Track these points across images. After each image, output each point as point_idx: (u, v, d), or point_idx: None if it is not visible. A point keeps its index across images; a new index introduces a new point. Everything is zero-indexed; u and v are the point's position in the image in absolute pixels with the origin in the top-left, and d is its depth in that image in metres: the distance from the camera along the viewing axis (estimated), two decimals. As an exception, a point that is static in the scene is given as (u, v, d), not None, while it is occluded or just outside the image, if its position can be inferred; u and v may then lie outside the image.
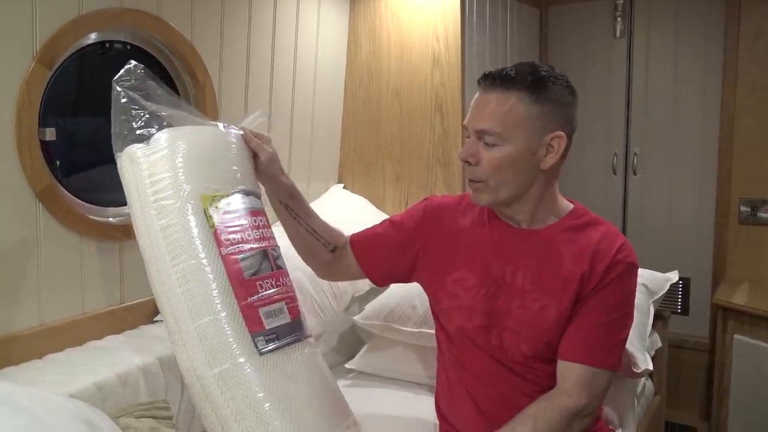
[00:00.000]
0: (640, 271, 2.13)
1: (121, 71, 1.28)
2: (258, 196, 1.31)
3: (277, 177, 1.41)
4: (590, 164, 3.19)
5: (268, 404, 1.11)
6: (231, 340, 1.12)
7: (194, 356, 1.13)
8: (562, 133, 1.28)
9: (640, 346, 1.78)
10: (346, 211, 2.47)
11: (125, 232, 1.79)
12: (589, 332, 1.28)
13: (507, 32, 2.82)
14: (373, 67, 2.56)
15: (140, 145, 1.24)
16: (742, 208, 2.81)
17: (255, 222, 1.24)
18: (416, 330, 1.95)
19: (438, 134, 2.46)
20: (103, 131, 1.87)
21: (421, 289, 1.51)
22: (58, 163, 1.67)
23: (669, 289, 2.11)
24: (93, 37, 1.71)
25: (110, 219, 1.79)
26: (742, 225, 2.82)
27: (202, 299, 1.13)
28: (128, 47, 1.82)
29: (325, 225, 1.52)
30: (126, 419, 1.23)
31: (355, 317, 2.11)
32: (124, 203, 1.86)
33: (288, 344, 1.19)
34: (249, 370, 1.12)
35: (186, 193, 1.18)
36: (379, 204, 2.59)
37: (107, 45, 1.77)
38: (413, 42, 2.46)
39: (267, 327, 1.15)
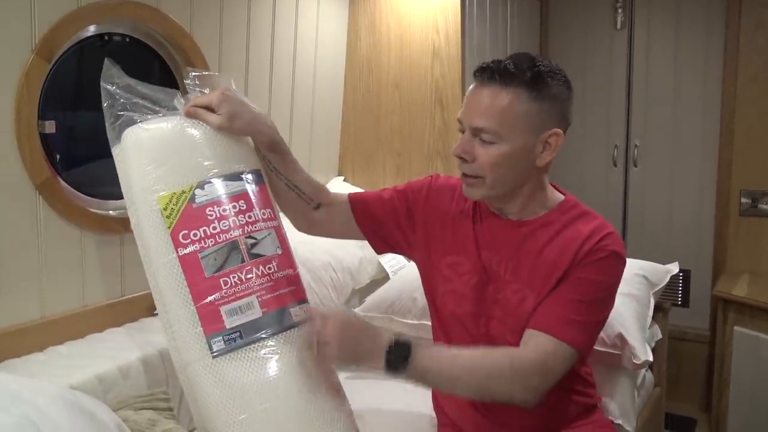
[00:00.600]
0: (641, 262, 2.13)
1: (104, 69, 1.28)
2: (237, 176, 1.23)
3: (251, 129, 1.29)
4: (591, 156, 3.19)
5: (221, 408, 1.13)
6: (189, 340, 1.16)
7: (171, 351, 1.22)
8: (559, 130, 1.26)
9: (641, 337, 1.79)
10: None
11: (125, 225, 1.77)
12: (561, 307, 1.23)
13: (507, 24, 2.81)
14: (373, 59, 2.56)
15: (116, 142, 1.26)
16: (743, 200, 2.81)
17: (220, 212, 1.20)
18: (417, 322, 1.95)
19: (438, 127, 2.46)
20: (102, 124, 1.87)
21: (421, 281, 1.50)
22: (57, 156, 1.67)
23: (669, 281, 2.11)
24: (92, 30, 1.70)
25: (110, 212, 1.79)
26: (743, 217, 2.82)
27: (169, 299, 1.18)
28: (127, 39, 1.82)
29: (308, 180, 1.43)
30: (125, 412, 1.23)
31: (356, 309, 2.11)
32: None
33: (254, 341, 1.15)
34: (202, 372, 1.15)
35: (140, 195, 1.20)
36: (379, 196, 2.59)
37: (106, 37, 1.76)
38: (413, 34, 2.46)
39: (228, 326, 1.14)
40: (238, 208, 1.21)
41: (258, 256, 1.21)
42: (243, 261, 1.18)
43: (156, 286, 1.22)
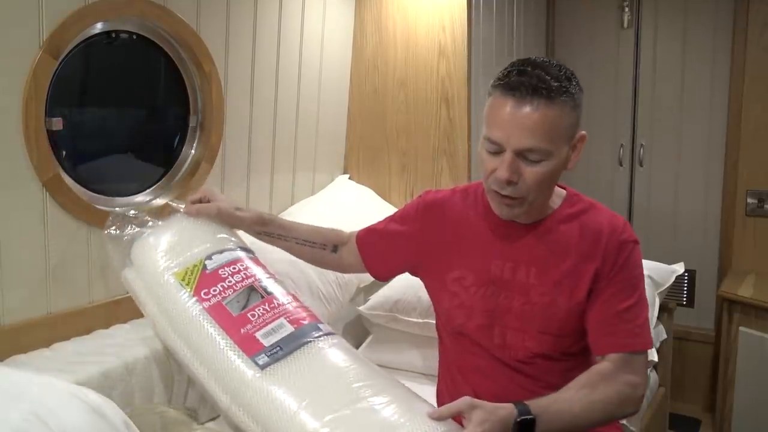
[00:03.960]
0: (646, 262, 2.13)
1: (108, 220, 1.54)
2: (232, 250, 1.49)
3: (234, 219, 1.53)
4: (597, 156, 3.18)
5: (293, 405, 1.19)
6: (233, 367, 1.27)
7: (215, 392, 1.29)
8: (584, 132, 1.26)
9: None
10: (352, 202, 2.47)
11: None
12: (622, 320, 1.26)
13: (514, 23, 2.81)
14: (379, 57, 2.55)
15: (128, 263, 1.50)
16: (749, 200, 2.80)
17: (231, 270, 1.42)
18: (421, 320, 1.95)
19: (444, 125, 2.45)
20: (109, 121, 1.88)
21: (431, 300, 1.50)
22: (64, 152, 1.68)
23: (674, 281, 2.11)
24: (99, 27, 1.70)
25: (117, 209, 1.80)
26: (749, 217, 2.81)
27: (205, 345, 1.31)
28: (134, 37, 1.82)
29: (314, 231, 1.57)
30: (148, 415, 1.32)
31: (361, 308, 2.12)
32: (130, 193, 1.88)
33: (296, 349, 1.28)
34: (258, 385, 1.23)
35: (157, 281, 1.42)
36: (384, 195, 2.59)
37: (114, 35, 1.77)
38: (419, 32, 2.45)
39: (267, 345, 1.28)
40: (236, 269, 1.43)
41: (270, 293, 1.40)
42: (263, 297, 1.38)
43: (188, 347, 1.34)
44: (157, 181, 1.95)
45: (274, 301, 1.38)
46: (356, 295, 2.23)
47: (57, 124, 1.62)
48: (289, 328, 1.32)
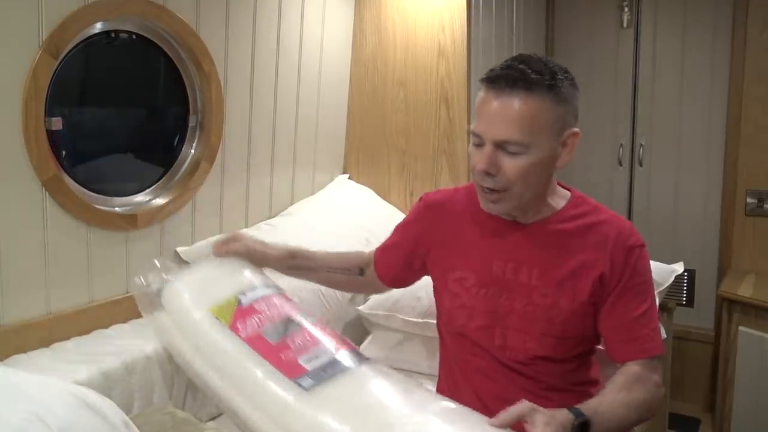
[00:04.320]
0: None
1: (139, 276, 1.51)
2: (262, 288, 1.47)
3: (263, 256, 1.52)
4: (596, 156, 3.18)
5: (342, 427, 1.14)
6: (276, 391, 1.21)
7: (260, 423, 1.22)
8: (577, 130, 1.25)
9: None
10: (351, 202, 2.47)
11: (131, 221, 1.79)
12: (638, 325, 1.27)
13: (513, 23, 2.81)
14: (378, 57, 2.55)
15: (158, 307, 1.46)
16: (749, 200, 2.80)
17: (266, 304, 1.41)
18: (421, 320, 1.95)
19: (443, 125, 2.45)
20: (109, 121, 1.88)
21: (426, 280, 1.51)
22: (63, 152, 1.68)
23: (674, 281, 2.10)
24: (99, 27, 1.71)
25: (116, 209, 1.80)
26: (749, 216, 2.81)
27: (244, 375, 1.27)
28: (134, 37, 1.82)
29: (340, 257, 1.58)
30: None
31: (360, 307, 2.11)
32: (129, 193, 1.88)
33: (338, 373, 1.25)
34: (302, 408, 1.18)
35: (192, 318, 1.39)
36: (384, 195, 2.60)
37: (113, 34, 1.77)
38: (419, 32, 2.45)
39: (310, 369, 1.24)
40: (278, 301, 1.43)
41: (310, 324, 1.38)
42: (301, 327, 1.35)
43: (229, 382, 1.29)
44: (157, 181, 1.95)
45: (313, 330, 1.37)
46: (356, 294, 2.23)
47: (57, 123, 1.62)
48: (331, 354, 1.29)
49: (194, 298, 1.42)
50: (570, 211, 1.32)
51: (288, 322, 1.37)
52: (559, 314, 1.28)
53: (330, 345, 1.32)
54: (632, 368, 1.26)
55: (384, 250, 1.56)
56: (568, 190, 1.37)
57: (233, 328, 1.34)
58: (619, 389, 1.22)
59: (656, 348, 1.28)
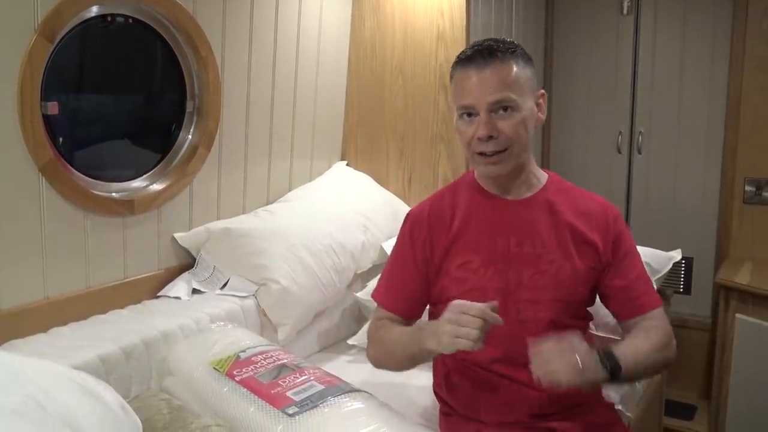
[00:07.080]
0: (643, 249, 2.14)
1: None
2: (264, 345, 1.61)
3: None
4: (595, 143, 3.17)
5: None
6: (264, 420, 1.32)
7: None
8: (543, 91, 1.39)
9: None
10: (349, 189, 2.47)
11: (128, 207, 1.79)
12: (644, 282, 1.41)
13: (513, 8, 2.79)
14: (377, 42, 2.54)
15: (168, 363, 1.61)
16: (747, 188, 2.80)
17: (263, 357, 1.54)
18: (418, 307, 1.95)
19: (442, 111, 2.44)
20: (105, 106, 1.87)
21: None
22: (60, 137, 1.67)
23: (672, 268, 2.11)
24: (95, 10, 1.69)
25: (113, 194, 1.80)
26: (747, 204, 2.81)
27: (237, 414, 1.37)
28: (130, 21, 1.80)
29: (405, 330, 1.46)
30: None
31: (358, 294, 2.12)
32: (126, 179, 1.87)
33: (323, 402, 1.36)
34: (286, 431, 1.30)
35: (197, 370, 1.52)
36: (382, 181, 2.59)
37: (109, 18, 1.75)
38: (417, 17, 2.44)
39: (297, 399, 1.36)
40: (276, 355, 1.56)
41: (301, 368, 1.49)
42: (293, 370, 1.48)
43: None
44: (154, 167, 1.94)
45: (305, 371, 1.48)
46: (353, 281, 2.23)
47: (52, 108, 1.61)
48: (319, 387, 1.41)
49: (195, 358, 1.55)
50: (554, 186, 1.44)
51: (281, 367, 1.49)
52: (566, 277, 1.36)
53: (319, 380, 1.43)
54: (641, 321, 1.38)
55: (397, 300, 1.48)
56: (547, 172, 1.48)
57: (229, 374, 1.46)
58: (636, 336, 1.34)
59: (657, 300, 1.41)
